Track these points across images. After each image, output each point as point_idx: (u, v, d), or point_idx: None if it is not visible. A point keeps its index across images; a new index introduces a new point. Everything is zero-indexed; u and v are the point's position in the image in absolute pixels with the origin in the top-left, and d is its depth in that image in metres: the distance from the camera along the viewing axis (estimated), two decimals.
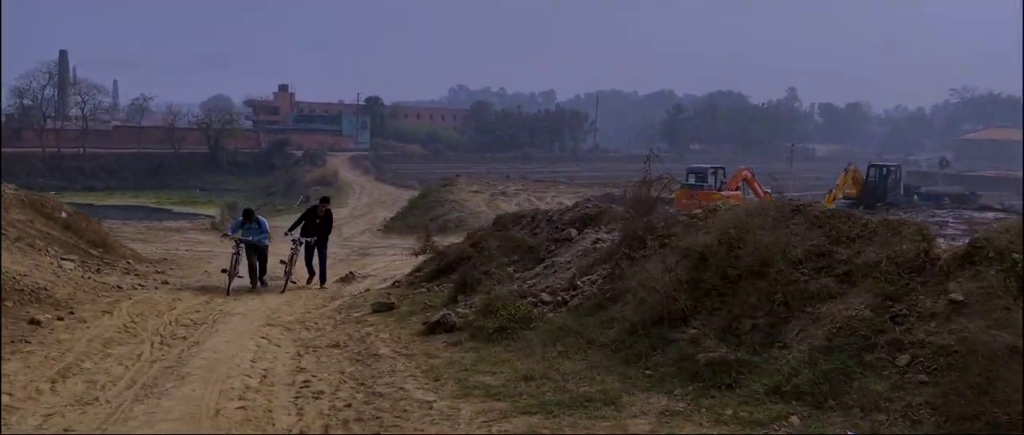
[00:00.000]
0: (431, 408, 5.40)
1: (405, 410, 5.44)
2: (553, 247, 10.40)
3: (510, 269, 10.36)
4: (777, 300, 5.97)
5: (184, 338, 9.08)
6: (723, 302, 6.18)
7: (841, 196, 38.40)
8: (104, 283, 13.26)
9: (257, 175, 70.82)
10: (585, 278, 8.18)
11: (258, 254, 13.98)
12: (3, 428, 5.42)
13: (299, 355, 8.12)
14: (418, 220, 35.86)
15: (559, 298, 7.90)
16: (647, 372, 5.76)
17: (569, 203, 40.44)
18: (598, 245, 9.22)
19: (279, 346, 8.74)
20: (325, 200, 15.39)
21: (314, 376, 7.03)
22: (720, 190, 34.07)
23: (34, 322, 9.16)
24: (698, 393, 5.40)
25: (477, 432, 4.95)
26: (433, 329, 8.53)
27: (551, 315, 7.51)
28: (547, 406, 5.12)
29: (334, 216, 15.83)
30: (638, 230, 7.43)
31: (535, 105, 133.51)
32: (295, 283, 13.99)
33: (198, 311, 10.87)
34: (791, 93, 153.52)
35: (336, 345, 8.62)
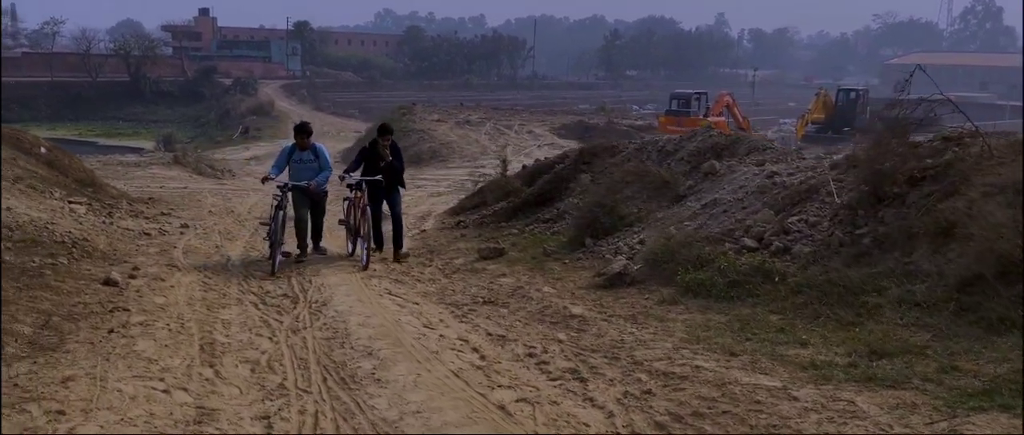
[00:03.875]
0: (794, 398, 4.25)
1: (758, 402, 4.27)
2: (693, 183, 9.23)
3: (647, 206, 9.16)
4: None
5: (288, 296, 7.63)
6: None
7: (810, 121, 38.43)
8: (127, 229, 11.43)
9: (184, 105, 66.68)
10: (792, 220, 7.08)
11: (313, 205, 9.62)
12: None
13: (462, 318, 6.80)
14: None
15: (777, 244, 6.79)
16: None
17: (541, 132, 39.24)
18: (775, 179, 8.10)
19: (418, 304, 7.39)
20: (386, 131, 9.98)
21: (529, 346, 5.76)
22: (706, 116, 33.41)
23: (110, 283, 7.49)
24: None
25: None
26: (612, 282, 7.31)
27: (785, 266, 6.41)
28: (994, 398, 3.99)
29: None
30: (885, 167, 6.33)
31: (466, 31, 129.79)
32: (373, 250, 9.63)
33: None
34: (720, 19, 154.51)
35: (491, 301, 7.33)
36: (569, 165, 11.75)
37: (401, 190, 10.20)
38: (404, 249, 9.91)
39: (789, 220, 7.10)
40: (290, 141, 10.05)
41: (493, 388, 4.87)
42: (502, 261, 9.27)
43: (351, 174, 9.75)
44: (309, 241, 9.74)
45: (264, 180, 9.56)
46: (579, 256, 8.76)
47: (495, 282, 8.17)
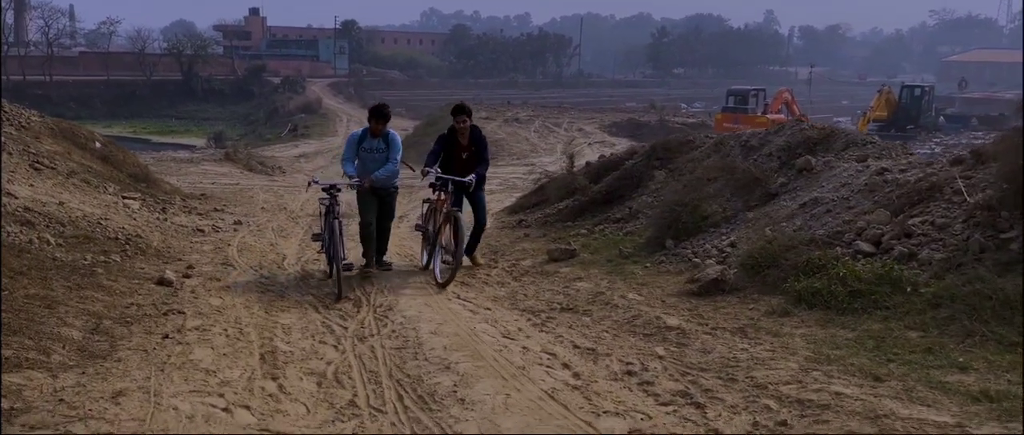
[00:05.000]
0: None
1: None
2: (786, 180, 8.43)
3: (733, 206, 8.40)
4: None
5: (349, 299, 7.06)
6: None
7: (873, 118, 36.95)
8: (181, 225, 11.07)
9: (234, 103, 67.45)
10: (914, 221, 6.27)
11: (383, 204, 8.09)
12: None
13: (542, 327, 6.15)
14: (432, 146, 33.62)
15: (899, 249, 5.99)
16: None
17: (591, 129, 38.47)
18: (885, 176, 7.28)
19: (490, 309, 6.77)
20: (461, 111, 8.16)
21: (626, 362, 5.08)
22: (764, 113, 32.25)
23: (164, 283, 7.03)
24: None
25: None
26: (707, 289, 6.59)
27: (915, 274, 5.62)
28: None
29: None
30: None
31: (511, 29, 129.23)
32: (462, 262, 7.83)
33: (317, 261, 8.78)
34: (769, 16, 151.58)
35: (571, 309, 6.67)
36: (640, 161, 11.03)
37: (473, 178, 8.12)
38: (476, 253, 8.65)
39: (910, 222, 6.29)
40: (360, 128, 8.34)
41: (598, 414, 4.20)
42: (574, 263, 8.60)
43: (432, 169, 8.01)
44: (375, 255, 8.13)
45: (350, 183, 7.76)
46: (661, 259, 8.05)
47: (571, 286, 7.50)
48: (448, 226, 7.84)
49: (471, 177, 8.02)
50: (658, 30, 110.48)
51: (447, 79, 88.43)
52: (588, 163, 13.98)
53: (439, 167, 8.12)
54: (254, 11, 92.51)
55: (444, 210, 7.96)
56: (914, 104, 37.60)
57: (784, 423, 3.94)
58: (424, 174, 8.06)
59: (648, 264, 7.99)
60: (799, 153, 8.84)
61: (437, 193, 8.23)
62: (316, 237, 8.25)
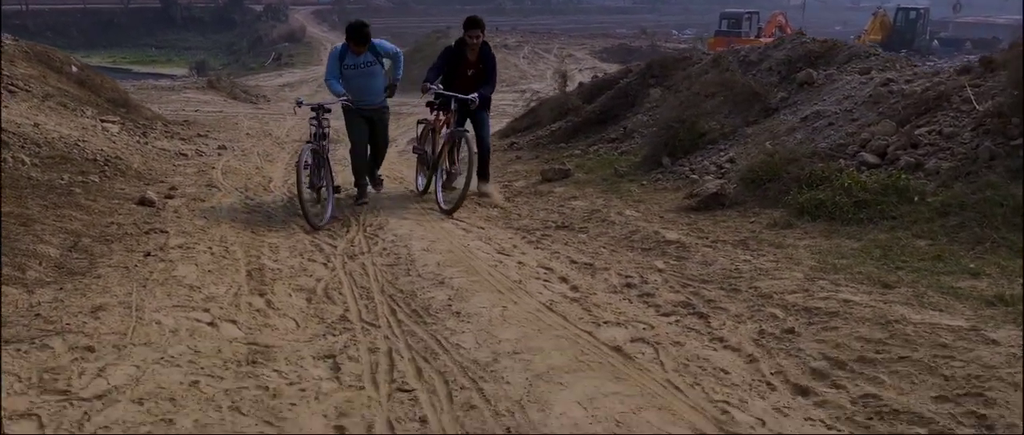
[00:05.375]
0: (992, 341, 3.36)
1: (944, 346, 3.39)
2: (787, 95, 8.18)
3: (732, 122, 8.17)
4: None
5: (338, 219, 6.85)
6: None
7: (867, 42, 36.38)
8: (163, 149, 10.75)
9: (216, 32, 65.79)
10: (921, 131, 6.07)
11: (375, 127, 7.47)
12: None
13: (537, 244, 5.99)
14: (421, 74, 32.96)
15: (905, 159, 5.80)
16: None
17: (582, 55, 37.78)
18: (890, 87, 7.04)
19: (483, 228, 6.59)
20: (474, 24, 7.40)
21: (624, 275, 4.93)
22: (758, 37, 31.69)
23: (146, 202, 6.80)
24: None
25: None
26: (706, 204, 6.42)
27: (922, 183, 5.45)
28: None
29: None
30: None
31: None
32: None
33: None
34: None
35: (566, 226, 6.49)
36: (635, 79, 10.72)
37: (477, 99, 7.50)
38: (489, 182, 7.92)
39: (917, 132, 6.09)
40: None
41: (598, 325, 4.06)
42: (568, 183, 8.40)
43: (433, 85, 7.36)
44: (367, 178, 7.65)
45: (340, 99, 7.06)
46: (657, 177, 7.86)
47: (565, 205, 7.32)
48: (451, 148, 7.28)
49: (474, 96, 7.31)
50: None
51: (433, 6, 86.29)
52: (581, 84, 13.66)
53: (440, 84, 7.46)
54: None
55: (446, 130, 7.38)
56: (909, 27, 37.03)
57: (791, 331, 3.81)
58: (424, 90, 7.40)
59: (644, 182, 7.80)
60: (800, 67, 8.57)
61: (435, 113, 7.61)
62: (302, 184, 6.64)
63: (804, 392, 3.25)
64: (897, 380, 3.22)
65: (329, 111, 7.16)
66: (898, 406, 3.03)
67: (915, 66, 8.10)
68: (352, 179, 7.75)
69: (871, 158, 6.10)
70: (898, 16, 37.71)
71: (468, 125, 7.60)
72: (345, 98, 7.14)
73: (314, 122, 7.00)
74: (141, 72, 48.94)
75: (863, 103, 7.05)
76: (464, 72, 7.54)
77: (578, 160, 9.46)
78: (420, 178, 8.00)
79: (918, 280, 4.22)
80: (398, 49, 7.59)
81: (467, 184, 6.91)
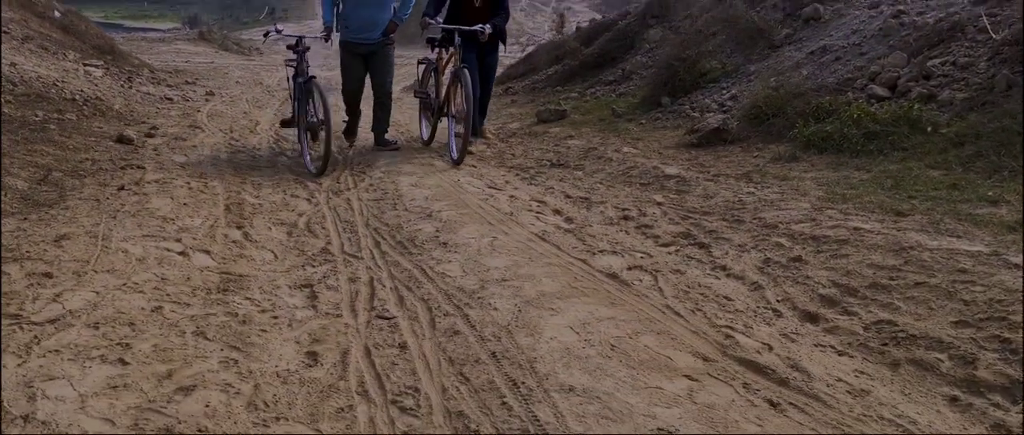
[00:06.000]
0: (1014, 266, 3.12)
1: (963, 271, 3.16)
2: (792, 31, 7.85)
3: (734, 61, 7.86)
4: None
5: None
6: None
7: None
8: (148, 94, 10.43)
9: None
10: (934, 62, 5.78)
11: (376, 64, 6.64)
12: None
13: (531, 181, 5.74)
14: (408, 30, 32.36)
15: (918, 90, 5.51)
16: None
17: (581, 8, 37.07)
18: (901, 19, 6.72)
19: (475, 167, 6.33)
20: None
21: (621, 208, 4.69)
22: None
23: (124, 140, 6.53)
24: None
25: None
26: (708, 140, 6.15)
27: (935, 115, 5.18)
28: None
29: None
30: None
31: None
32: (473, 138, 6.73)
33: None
34: None
35: (561, 164, 6.23)
36: (634, 20, 10.36)
37: (501, 47, 6.99)
38: (485, 122, 7.31)
39: (929, 63, 5.80)
40: None
41: (593, 253, 3.83)
42: (564, 124, 8.12)
43: (434, 20, 6.60)
44: (357, 113, 6.87)
45: (323, 36, 6.46)
46: (656, 116, 7.57)
47: (561, 144, 7.05)
48: (457, 88, 6.38)
49: (485, 27, 6.42)
50: None
51: None
52: (578, 27, 13.28)
53: (442, 19, 6.69)
54: None
55: (450, 69, 6.59)
56: None
57: (798, 259, 3.58)
58: (424, 25, 6.69)
59: (643, 121, 7.52)
60: (806, 2, 8.22)
61: (437, 50, 6.85)
62: (284, 123, 6.63)
63: (813, 318, 3.03)
64: (913, 306, 3.00)
65: (309, 48, 6.29)
66: (915, 331, 2.81)
67: None
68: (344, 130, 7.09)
69: (881, 91, 5.82)
70: None
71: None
72: (324, 32, 6.43)
73: (292, 63, 6.23)
74: (133, 27, 48.09)
75: (872, 36, 6.74)
76: (470, 4, 6.68)
77: (575, 102, 9.17)
78: (424, 125, 7.24)
79: (933, 208, 3.98)
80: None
81: (467, 128, 6.14)
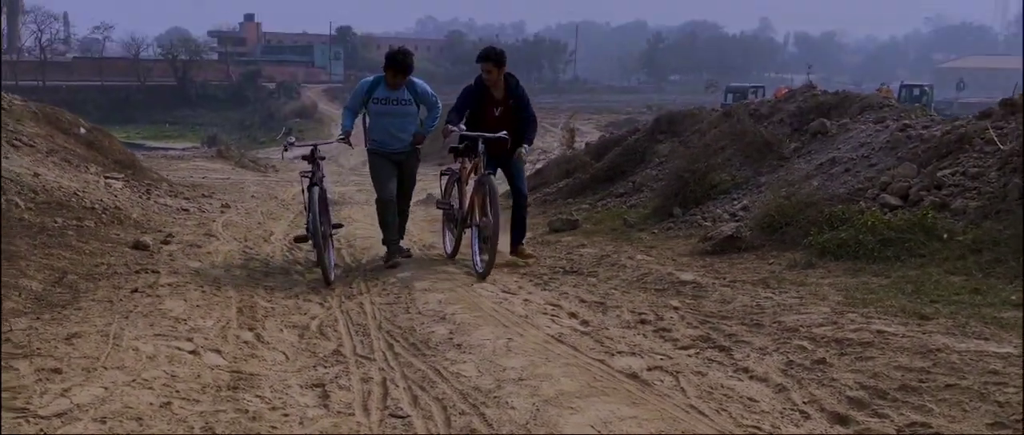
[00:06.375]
0: None
1: (995, 373, 3.07)
2: (800, 145, 8.01)
3: (744, 173, 7.97)
4: None
5: (339, 266, 6.56)
6: None
7: None
8: (166, 205, 10.58)
9: (229, 109, 66.85)
10: (944, 172, 5.84)
11: (402, 173, 6.55)
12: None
13: (545, 287, 5.70)
14: (426, 148, 33.11)
15: (930, 199, 5.55)
16: None
17: (588, 129, 38.08)
18: (908, 133, 6.85)
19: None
20: (488, 58, 6.33)
21: (638, 312, 4.63)
22: None
23: (140, 246, 6.57)
24: None
25: None
26: (722, 247, 6.15)
27: (949, 223, 5.19)
28: None
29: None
30: None
31: (507, 36, 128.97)
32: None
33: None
34: (764, 23, 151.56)
35: (575, 271, 6.19)
36: (643, 136, 10.61)
37: (526, 149, 6.52)
38: (524, 239, 6.77)
39: (940, 173, 5.86)
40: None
41: (612, 354, 3.75)
42: (577, 233, 8.17)
43: (457, 127, 6.24)
44: (395, 238, 6.51)
45: (340, 139, 6.32)
46: (669, 226, 7.61)
47: (574, 252, 7.05)
48: (483, 198, 6.02)
49: (505, 133, 6.18)
50: (653, 36, 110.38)
51: (443, 84, 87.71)
52: (588, 143, 13.57)
53: (464, 125, 6.34)
54: (249, 17, 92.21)
55: (474, 177, 6.28)
56: (912, 103, 37.28)
57: (822, 361, 3.49)
58: (445, 133, 6.39)
59: (655, 231, 7.55)
60: (812, 118, 8.43)
61: (460, 160, 6.50)
62: (297, 239, 6.45)
63: (842, 420, 2.93)
64: (946, 408, 2.90)
65: (324, 158, 6.21)
66: (950, 434, 2.70)
67: (931, 115, 7.94)
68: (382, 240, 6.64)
69: (893, 200, 5.86)
70: (902, 92, 38.04)
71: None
72: (342, 137, 6.27)
73: (307, 175, 6.07)
74: (154, 146, 49.54)
75: (881, 149, 6.85)
76: (490, 112, 6.42)
77: (586, 213, 9.25)
78: (448, 238, 6.84)
79: (957, 312, 3.91)
80: (438, 100, 6.68)
81: (496, 237, 5.79)
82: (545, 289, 5.57)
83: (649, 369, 3.49)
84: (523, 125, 6.46)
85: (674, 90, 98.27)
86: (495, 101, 6.46)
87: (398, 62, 6.18)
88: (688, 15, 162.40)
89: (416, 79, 6.46)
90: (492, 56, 6.35)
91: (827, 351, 3.61)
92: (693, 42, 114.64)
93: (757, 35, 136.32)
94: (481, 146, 6.19)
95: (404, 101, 6.33)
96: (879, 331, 3.74)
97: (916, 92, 38.09)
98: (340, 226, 6.72)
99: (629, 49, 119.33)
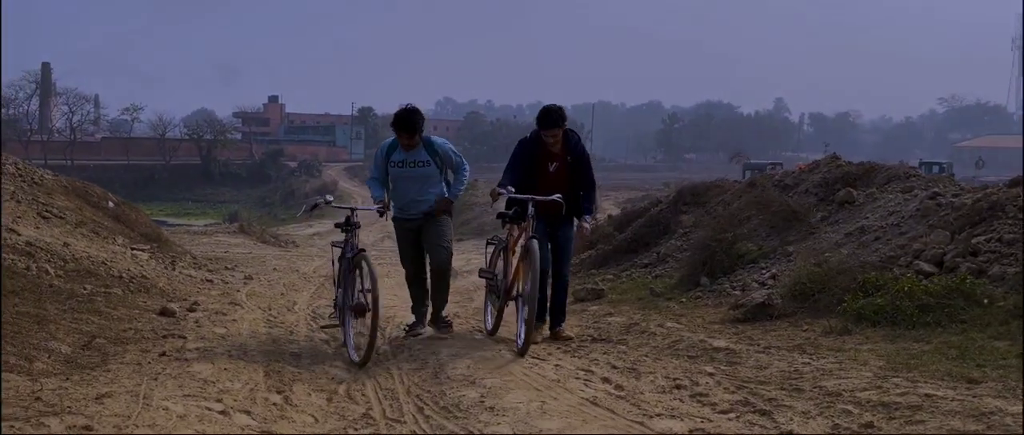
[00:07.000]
0: None
1: None
2: (827, 214, 7.97)
3: (771, 243, 7.91)
4: None
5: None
6: None
7: None
8: (190, 276, 10.63)
9: (251, 186, 67.99)
10: (979, 239, 5.76)
11: (427, 242, 6.06)
12: None
13: (574, 354, 5.60)
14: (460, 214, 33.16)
15: (966, 266, 5.46)
16: None
17: (607, 206, 38.20)
18: (938, 200, 6.81)
19: (514, 339, 6.22)
20: (550, 121, 5.70)
21: (672, 378, 4.53)
22: None
23: (167, 313, 6.57)
24: None
25: None
26: (754, 315, 6.05)
27: (988, 289, 5.09)
28: None
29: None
30: None
31: (524, 117, 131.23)
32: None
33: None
34: (779, 103, 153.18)
35: (604, 339, 6.10)
36: (667, 207, 10.61)
37: (588, 220, 6.07)
38: (563, 323, 6.11)
39: (974, 240, 5.78)
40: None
41: (649, 417, 3.65)
42: (602, 302, 8.09)
43: (506, 189, 5.61)
44: (426, 312, 6.16)
45: (381, 209, 5.90)
46: (697, 295, 7.52)
47: (601, 321, 6.97)
48: (526, 265, 5.43)
49: (559, 196, 5.60)
50: (669, 116, 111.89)
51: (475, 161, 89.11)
52: (610, 216, 13.58)
53: (513, 188, 5.62)
54: (273, 98, 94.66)
55: (518, 245, 5.62)
56: None
57: (870, 425, 3.38)
58: (494, 196, 5.90)
59: (683, 300, 7.46)
60: (838, 188, 8.41)
61: (508, 227, 5.82)
62: (328, 324, 6.06)
63: None
64: None
65: (359, 225, 5.74)
66: None
67: (959, 184, 7.90)
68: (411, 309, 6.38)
69: (928, 267, 5.77)
70: (921, 169, 38.01)
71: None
72: (379, 205, 5.90)
73: (339, 245, 5.75)
74: (176, 223, 50.24)
75: (911, 217, 6.80)
76: (544, 167, 5.77)
77: (611, 283, 9.17)
78: (489, 312, 6.17)
79: (1006, 376, 3.79)
80: (464, 160, 6.27)
81: (532, 309, 5.27)
82: (574, 356, 5.48)
83: (690, 432, 3.39)
84: (581, 188, 5.86)
85: (690, 168, 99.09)
86: (552, 156, 5.78)
87: (402, 121, 5.81)
88: (702, 95, 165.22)
89: (436, 138, 6.10)
90: (555, 117, 5.64)
91: (874, 415, 3.49)
92: (709, 122, 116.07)
93: (772, 115, 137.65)
94: (531, 209, 5.54)
95: (422, 162, 5.90)
96: (927, 395, 3.62)
97: (935, 170, 38.00)
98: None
99: (644, 129, 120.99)
